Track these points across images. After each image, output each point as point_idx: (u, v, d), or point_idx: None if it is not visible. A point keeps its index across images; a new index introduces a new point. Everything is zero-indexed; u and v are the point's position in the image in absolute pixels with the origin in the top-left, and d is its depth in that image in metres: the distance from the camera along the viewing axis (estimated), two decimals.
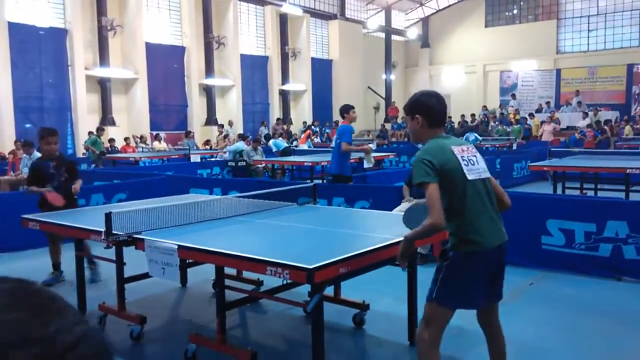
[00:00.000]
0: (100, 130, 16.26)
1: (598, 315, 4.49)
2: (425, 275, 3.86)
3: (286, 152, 15.01)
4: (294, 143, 19.66)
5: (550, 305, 4.75)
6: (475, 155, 2.83)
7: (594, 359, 3.72)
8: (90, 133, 17.37)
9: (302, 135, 21.42)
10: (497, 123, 21.13)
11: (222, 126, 20.76)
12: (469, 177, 2.73)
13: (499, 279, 2.87)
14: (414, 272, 4.00)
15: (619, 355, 3.76)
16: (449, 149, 2.76)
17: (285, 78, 25.67)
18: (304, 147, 18.53)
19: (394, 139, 24.34)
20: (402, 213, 3.14)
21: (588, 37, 27.22)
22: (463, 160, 2.74)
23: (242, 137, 15.16)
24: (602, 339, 4.00)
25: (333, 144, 9.60)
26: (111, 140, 17.17)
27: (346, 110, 7.87)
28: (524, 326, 4.22)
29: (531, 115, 22.10)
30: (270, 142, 16.48)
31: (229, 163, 13.37)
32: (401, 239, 3.30)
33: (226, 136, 19.42)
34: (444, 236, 3.13)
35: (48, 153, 5.64)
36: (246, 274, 5.03)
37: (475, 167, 2.78)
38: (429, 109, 2.85)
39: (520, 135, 19.42)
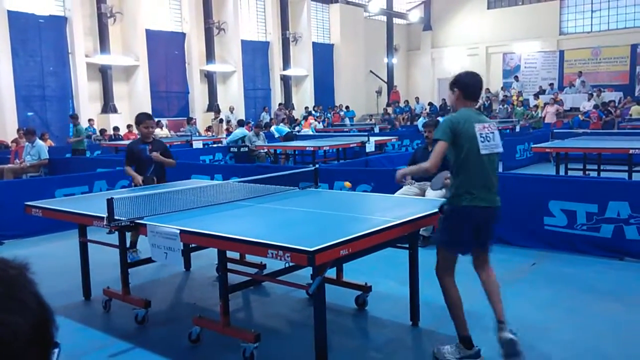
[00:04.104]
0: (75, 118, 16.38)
1: (600, 295, 4.51)
2: (427, 257, 3.89)
3: (289, 137, 14.98)
4: (297, 128, 19.62)
5: (552, 285, 4.77)
6: (493, 132, 3.36)
7: (596, 338, 3.73)
8: (90, 120, 17.38)
9: (304, 122, 21.35)
10: (505, 106, 20.91)
11: (218, 112, 20.52)
12: (482, 152, 3.27)
13: (484, 232, 3.40)
14: (415, 253, 4.01)
15: (621, 334, 3.78)
16: (471, 121, 3.30)
17: (286, 63, 25.54)
18: (308, 131, 18.48)
19: (397, 123, 24.22)
20: (406, 196, 3.28)
21: (591, 17, 26.89)
22: (481, 137, 3.28)
23: (241, 123, 15.10)
24: (604, 319, 4.02)
25: None
26: (115, 129, 17.19)
27: None
28: (527, 306, 4.25)
29: (536, 96, 21.91)
30: (273, 128, 16.44)
31: (232, 149, 13.35)
32: (402, 221, 3.38)
33: (221, 121, 19.37)
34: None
35: (145, 136, 5.85)
36: (249, 258, 5.06)
37: (490, 143, 3.31)
38: (465, 84, 3.43)
39: (537, 120, 18.64)
